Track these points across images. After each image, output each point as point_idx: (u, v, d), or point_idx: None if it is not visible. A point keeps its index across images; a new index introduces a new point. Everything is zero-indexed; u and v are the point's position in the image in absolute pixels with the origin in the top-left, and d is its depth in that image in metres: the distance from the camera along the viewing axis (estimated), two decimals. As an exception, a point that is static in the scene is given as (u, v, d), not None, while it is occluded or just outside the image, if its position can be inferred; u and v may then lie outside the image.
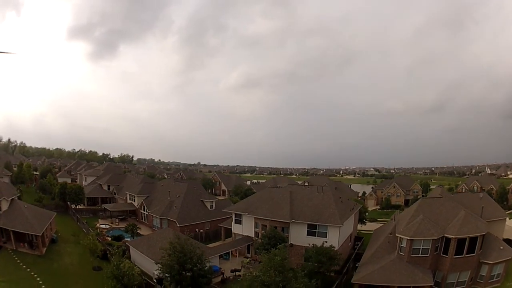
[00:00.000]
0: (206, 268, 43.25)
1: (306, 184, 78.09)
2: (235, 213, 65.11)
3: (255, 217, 60.67)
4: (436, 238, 47.22)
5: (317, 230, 55.74)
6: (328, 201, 60.17)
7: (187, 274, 41.23)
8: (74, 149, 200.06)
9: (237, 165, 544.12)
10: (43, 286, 43.17)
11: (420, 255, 47.36)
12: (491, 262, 47.78)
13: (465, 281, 47.40)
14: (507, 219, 68.55)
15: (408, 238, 47.68)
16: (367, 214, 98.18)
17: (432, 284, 45.10)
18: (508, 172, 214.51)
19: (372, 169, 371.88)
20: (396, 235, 50.17)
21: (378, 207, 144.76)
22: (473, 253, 47.17)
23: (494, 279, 48.38)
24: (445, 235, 47.81)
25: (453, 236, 46.90)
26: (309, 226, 56.27)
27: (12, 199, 62.19)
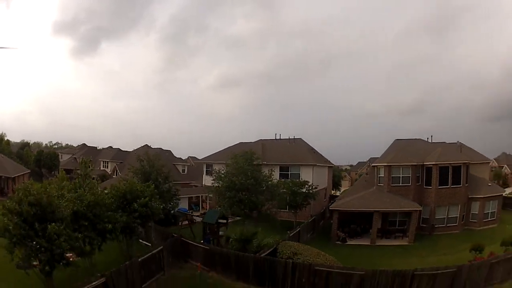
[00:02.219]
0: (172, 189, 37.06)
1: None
2: (205, 164, 57.70)
3: (225, 163, 52.76)
4: (415, 164, 40.69)
5: (289, 172, 48.68)
6: (300, 149, 54.00)
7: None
8: (51, 142, 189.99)
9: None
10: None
11: (401, 184, 40.75)
12: (482, 196, 40.95)
13: (456, 217, 40.02)
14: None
15: (386, 164, 40.99)
16: (341, 182, 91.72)
17: (421, 209, 37.94)
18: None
19: (347, 166, 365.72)
20: (372, 165, 43.46)
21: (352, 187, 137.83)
22: (459, 184, 40.13)
23: (489, 219, 41.37)
24: (425, 163, 41.13)
25: (433, 163, 40.19)
26: (282, 168, 49.19)
27: (-11, 148, 57.25)
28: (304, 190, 40.34)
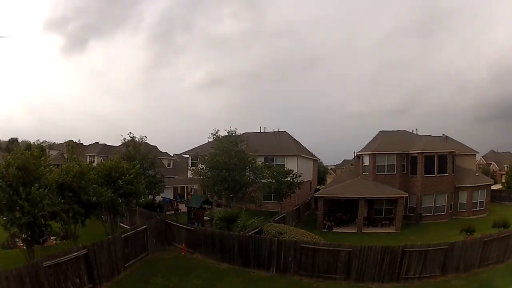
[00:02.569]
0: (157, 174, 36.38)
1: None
2: (191, 156, 55.73)
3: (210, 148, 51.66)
4: (400, 152, 40.05)
5: (274, 163, 47.39)
6: (285, 140, 52.86)
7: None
8: (38, 140, 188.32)
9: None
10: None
11: (386, 172, 39.96)
12: (469, 186, 40.21)
13: (444, 206, 39.24)
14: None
15: (370, 152, 40.36)
16: (326, 178, 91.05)
17: (407, 195, 37.20)
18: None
19: (332, 166, 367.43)
20: (358, 154, 42.78)
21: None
22: (446, 173, 39.51)
23: (478, 208, 40.53)
24: (410, 151, 40.44)
25: (419, 151, 39.57)
26: (266, 159, 47.90)
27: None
28: (288, 179, 39.44)
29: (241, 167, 32.18)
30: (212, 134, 36.54)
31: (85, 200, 19.42)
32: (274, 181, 38.46)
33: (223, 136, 35.39)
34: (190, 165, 55.54)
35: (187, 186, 51.31)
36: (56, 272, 14.17)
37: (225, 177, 30.56)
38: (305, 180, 47.96)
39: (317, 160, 66.61)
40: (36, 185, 16.14)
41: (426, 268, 18.22)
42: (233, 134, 36.13)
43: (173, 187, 46.93)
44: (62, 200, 17.95)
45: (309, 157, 56.23)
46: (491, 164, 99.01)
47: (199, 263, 20.61)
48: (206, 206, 29.95)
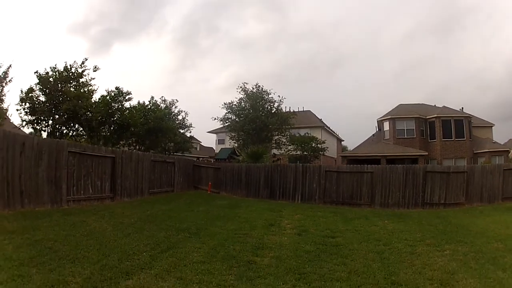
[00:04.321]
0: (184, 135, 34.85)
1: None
2: (217, 135, 55.66)
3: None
4: (417, 116, 39.10)
5: (299, 135, 46.28)
6: (311, 117, 52.40)
7: None
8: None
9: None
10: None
11: (406, 136, 38.73)
12: (487, 151, 38.68)
13: (464, 172, 37.95)
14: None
15: (390, 117, 39.65)
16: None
17: (426, 154, 36.13)
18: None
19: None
20: (378, 120, 41.84)
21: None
22: (463, 137, 38.16)
23: (497, 176, 38.83)
24: (427, 116, 39.43)
25: (436, 115, 38.50)
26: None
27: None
28: (313, 144, 38.54)
29: (267, 113, 31.66)
30: (240, 86, 34.97)
31: (118, 119, 19.93)
32: (299, 146, 37.58)
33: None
34: (217, 142, 55.39)
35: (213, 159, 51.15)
36: (78, 164, 13.15)
37: (252, 118, 29.92)
38: (329, 155, 46.91)
39: (341, 141, 65.42)
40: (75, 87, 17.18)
41: (451, 194, 17.49)
42: (261, 89, 34.79)
43: (200, 157, 46.86)
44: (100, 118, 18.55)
45: (333, 133, 55.47)
46: (510, 151, 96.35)
47: (224, 197, 20.24)
48: (233, 157, 29.62)
